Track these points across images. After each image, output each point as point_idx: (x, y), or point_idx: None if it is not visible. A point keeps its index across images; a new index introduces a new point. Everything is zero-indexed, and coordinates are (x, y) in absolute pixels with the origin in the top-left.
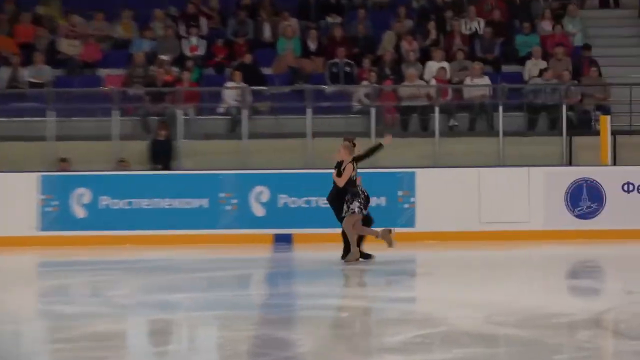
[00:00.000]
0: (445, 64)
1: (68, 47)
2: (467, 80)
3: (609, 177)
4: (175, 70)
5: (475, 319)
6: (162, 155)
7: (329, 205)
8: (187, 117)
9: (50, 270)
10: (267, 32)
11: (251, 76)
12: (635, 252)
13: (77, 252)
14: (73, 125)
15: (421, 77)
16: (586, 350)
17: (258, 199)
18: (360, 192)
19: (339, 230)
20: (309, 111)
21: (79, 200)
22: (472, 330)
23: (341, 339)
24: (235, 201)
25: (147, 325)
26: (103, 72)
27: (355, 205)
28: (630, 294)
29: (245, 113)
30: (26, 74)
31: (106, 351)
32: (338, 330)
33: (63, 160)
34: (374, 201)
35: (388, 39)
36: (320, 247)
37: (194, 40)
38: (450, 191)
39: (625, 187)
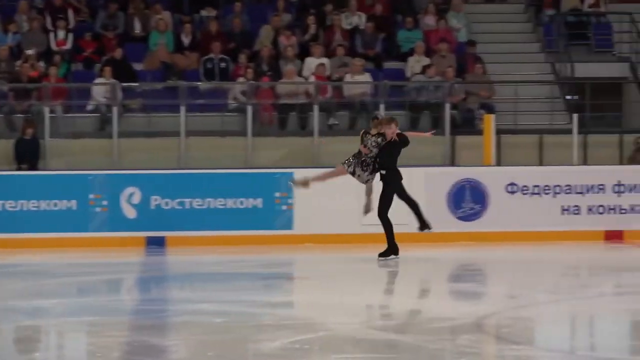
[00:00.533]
0: (324, 60)
1: None
2: (348, 77)
3: (492, 177)
4: (41, 65)
5: (355, 324)
6: (28, 154)
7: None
8: (55, 115)
9: None
10: (138, 26)
11: (122, 72)
12: (519, 254)
13: None
14: None
15: (300, 74)
16: (468, 355)
17: (129, 200)
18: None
19: (213, 233)
20: (182, 109)
21: None
22: (351, 336)
23: (216, 346)
24: (105, 203)
25: (15, 332)
26: None
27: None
28: (513, 298)
29: (115, 111)
30: None
31: None
32: (213, 337)
33: None
34: (249, 203)
35: (265, 34)
36: (194, 251)
37: (61, 33)
38: (330, 192)
39: (510, 188)
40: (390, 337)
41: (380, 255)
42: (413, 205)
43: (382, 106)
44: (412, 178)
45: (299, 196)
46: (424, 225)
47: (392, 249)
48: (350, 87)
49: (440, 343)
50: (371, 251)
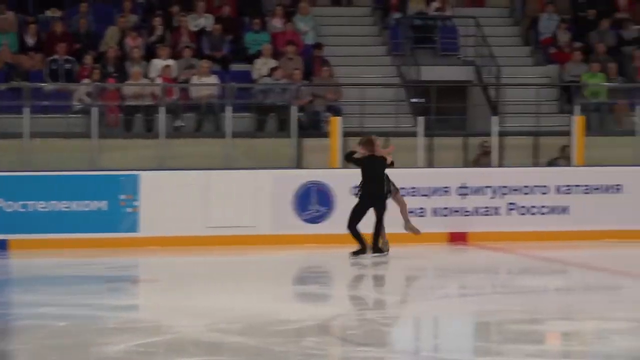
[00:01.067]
0: (171, 62)
1: None
2: (194, 79)
3: (338, 180)
4: None
5: (200, 327)
6: None
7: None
8: None
9: None
10: None
11: None
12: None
13: None
14: None
15: (146, 76)
16: (314, 357)
17: None
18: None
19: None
20: (26, 110)
21: None
22: (196, 339)
23: (59, 350)
24: None
25: None
26: None
27: None
28: (358, 299)
29: None
30: None
31: None
32: (55, 340)
33: None
34: (94, 205)
35: (111, 35)
36: (38, 254)
37: None
38: (176, 195)
39: (355, 191)
40: (235, 339)
41: (375, 250)
42: (378, 228)
43: (228, 108)
44: (259, 180)
45: (145, 198)
46: (375, 249)
47: (373, 247)
48: (197, 89)
49: (285, 345)
50: (217, 254)
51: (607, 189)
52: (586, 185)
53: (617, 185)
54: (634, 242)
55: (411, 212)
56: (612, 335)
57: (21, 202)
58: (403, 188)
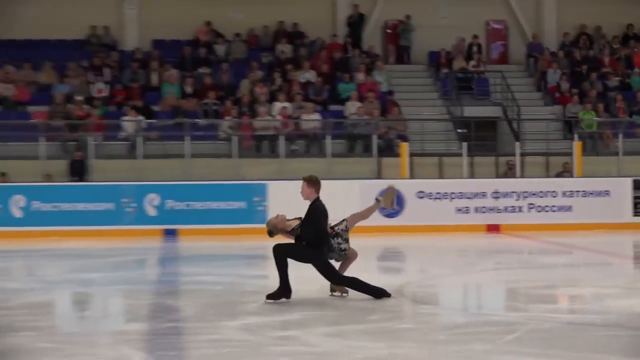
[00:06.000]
0: (287, 104)
1: (4, 89)
2: (303, 116)
3: (407, 187)
4: (86, 107)
5: (311, 290)
6: (78, 171)
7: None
8: (96, 142)
9: None
10: (154, 79)
11: (143, 112)
12: (426, 242)
13: (15, 243)
14: (10, 148)
15: (269, 114)
16: (392, 312)
17: (151, 203)
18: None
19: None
20: (187, 138)
21: (16, 204)
22: (309, 297)
23: (214, 306)
24: (134, 205)
25: (70, 296)
26: (31, 108)
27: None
28: (422, 272)
29: (140, 140)
30: None
31: (38, 316)
32: (212, 299)
33: (2, 174)
34: (236, 205)
35: (245, 85)
36: (199, 239)
37: (100, 85)
38: (292, 198)
39: (419, 194)
40: (336, 299)
41: (269, 297)
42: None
43: (328, 136)
44: (351, 188)
45: (271, 200)
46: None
47: (284, 291)
48: (305, 123)
49: (372, 304)
50: None
51: (599, 193)
52: (584, 191)
53: (606, 190)
54: (619, 232)
55: (459, 209)
56: (606, 298)
57: (186, 202)
58: (453, 192)
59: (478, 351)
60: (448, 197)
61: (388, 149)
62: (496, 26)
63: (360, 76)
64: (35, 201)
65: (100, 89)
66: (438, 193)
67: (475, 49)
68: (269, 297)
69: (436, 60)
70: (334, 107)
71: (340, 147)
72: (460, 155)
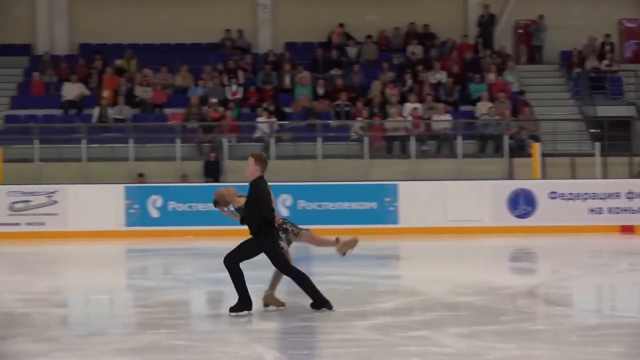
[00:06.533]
0: (418, 105)
1: (142, 92)
2: (434, 117)
3: (539, 187)
4: (220, 109)
5: (442, 291)
6: (212, 171)
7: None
8: (230, 144)
9: (133, 255)
10: (287, 81)
11: (276, 114)
12: (558, 242)
13: (152, 242)
14: (147, 150)
15: (401, 115)
16: (524, 313)
17: (283, 203)
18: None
19: (341, 227)
20: (319, 139)
21: (154, 204)
22: (440, 299)
23: (347, 305)
24: None
25: (205, 295)
26: (168, 111)
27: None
28: (555, 272)
29: (272, 141)
30: (112, 112)
31: (176, 314)
32: (342, 299)
33: (141, 175)
34: (367, 205)
35: (376, 86)
36: None
37: (234, 87)
38: (423, 198)
39: (552, 195)
40: (466, 299)
41: (231, 309)
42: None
43: (459, 137)
44: (482, 188)
45: (402, 200)
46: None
47: (244, 303)
48: (436, 123)
49: (504, 304)
50: (454, 240)
51: None
52: None
53: None
54: None
55: (592, 210)
56: None
57: (317, 203)
58: (586, 193)
59: (612, 354)
60: (581, 197)
61: (519, 149)
62: (629, 25)
63: (491, 76)
64: (172, 201)
65: (234, 91)
66: (570, 194)
67: (607, 48)
68: (232, 309)
69: (568, 60)
70: (464, 108)
71: (471, 147)
72: (592, 155)
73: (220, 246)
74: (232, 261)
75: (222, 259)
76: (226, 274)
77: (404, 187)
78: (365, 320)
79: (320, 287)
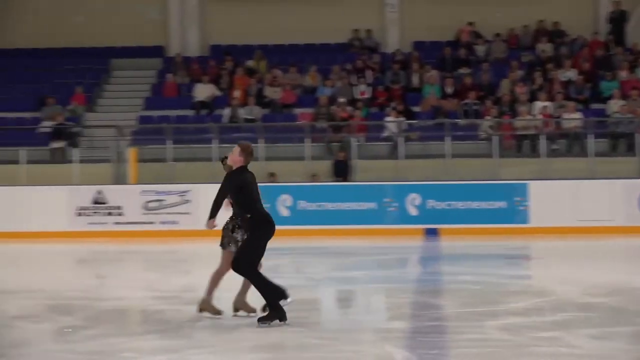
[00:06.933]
0: (548, 104)
1: (272, 92)
2: (565, 115)
3: None
4: (349, 109)
5: (575, 291)
6: (342, 171)
7: None
8: (359, 143)
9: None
10: (415, 80)
11: (404, 113)
12: None
13: (283, 241)
14: (277, 150)
15: (530, 113)
16: None
17: (412, 203)
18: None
19: (470, 226)
20: (447, 139)
21: (283, 204)
22: (572, 299)
23: (477, 305)
24: (395, 204)
25: (334, 294)
26: (297, 110)
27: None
28: None
29: (401, 140)
30: (242, 113)
31: (306, 312)
32: (472, 300)
33: (271, 174)
34: (497, 204)
35: (505, 85)
36: (460, 238)
37: (362, 87)
38: (554, 198)
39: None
40: (599, 300)
41: (261, 320)
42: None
43: (590, 136)
44: (614, 188)
45: (533, 200)
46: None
47: (276, 312)
48: (567, 122)
49: (639, 305)
50: (586, 240)
51: None
52: None
53: None
54: None
55: None
56: None
57: (446, 202)
58: None
59: None
60: None
61: None
62: None
63: (624, 74)
64: (302, 201)
65: (362, 90)
66: None
67: None
68: (260, 320)
69: None
70: (595, 106)
71: (603, 146)
72: None
73: (349, 245)
74: (246, 268)
75: (346, 261)
76: (356, 274)
77: (534, 186)
78: (496, 320)
79: (450, 287)
